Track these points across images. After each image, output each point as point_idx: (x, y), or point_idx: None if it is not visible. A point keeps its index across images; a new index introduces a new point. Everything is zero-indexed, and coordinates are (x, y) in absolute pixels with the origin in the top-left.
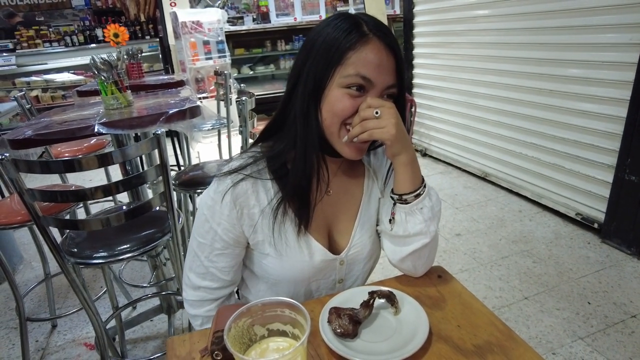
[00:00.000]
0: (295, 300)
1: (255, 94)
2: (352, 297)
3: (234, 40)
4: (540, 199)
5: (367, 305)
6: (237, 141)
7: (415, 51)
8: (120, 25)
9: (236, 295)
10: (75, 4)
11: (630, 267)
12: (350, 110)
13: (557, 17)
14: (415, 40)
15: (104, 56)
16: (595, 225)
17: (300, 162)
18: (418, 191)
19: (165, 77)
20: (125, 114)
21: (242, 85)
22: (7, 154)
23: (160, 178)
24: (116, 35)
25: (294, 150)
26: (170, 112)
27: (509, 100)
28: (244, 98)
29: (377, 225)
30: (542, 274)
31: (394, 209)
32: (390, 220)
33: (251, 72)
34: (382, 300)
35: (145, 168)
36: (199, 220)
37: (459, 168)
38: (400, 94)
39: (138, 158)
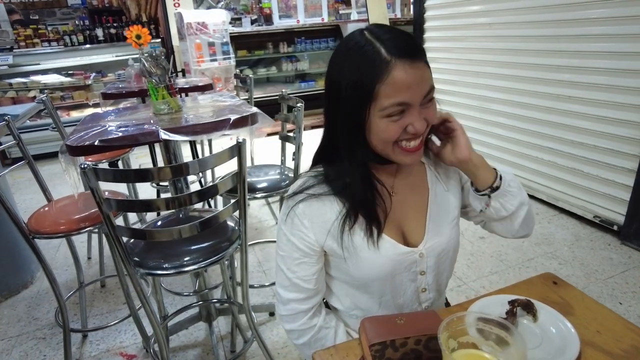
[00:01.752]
0: (383, 297)
1: (256, 96)
2: (487, 306)
3: (236, 41)
4: (556, 202)
5: (513, 314)
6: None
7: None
8: (142, 27)
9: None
10: (71, 3)
11: None
12: (397, 133)
13: (576, 25)
14: (426, 45)
15: (156, 54)
16: (614, 228)
17: (358, 187)
18: (497, 176)
19: (182, 79)
20: (176, 120)
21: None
22: (88, 163)
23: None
24: (138, 37)
25: (349, 177)
26: (234, 118)
27: (525, 105)
28: (298, 105)
29: (455, 217)
30: (570, 275)
31: (489, 201)
32: (484, 209)
33: (252, 74)
34: (518, 309)
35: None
36: (279, 236)
37: None
38: None
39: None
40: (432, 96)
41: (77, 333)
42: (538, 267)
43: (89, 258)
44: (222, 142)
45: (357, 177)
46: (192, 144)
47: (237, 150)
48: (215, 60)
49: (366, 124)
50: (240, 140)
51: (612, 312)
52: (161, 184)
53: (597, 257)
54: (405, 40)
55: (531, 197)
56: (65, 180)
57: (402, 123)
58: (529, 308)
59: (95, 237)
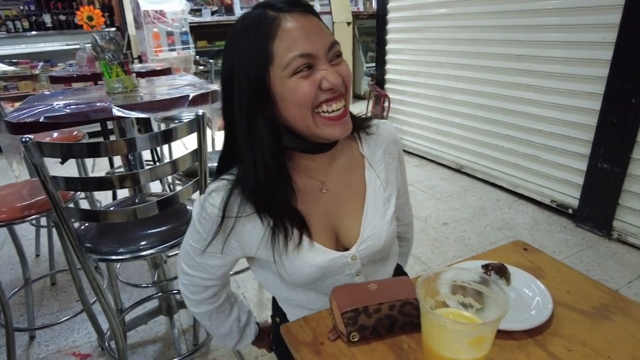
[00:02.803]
0: (312, 296)
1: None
2: (459, 273)
3: (196, 32)
4: (516, 188)
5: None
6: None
7: (389, 47)
8: (94, 8)
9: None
10: None
11: (604, 247)
12: (312, 91)
13: (534, 16)
14: (389, 36)
15: (111, 34)
16: (570, 211)
17: (264, 181)
18: None
19: (138, 65)
20: (130, 99)
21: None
22: (31, 137)
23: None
24: (90, 19)
25: (255, 172)
26: (193, 94)
27: (486, 94)
28: None
29: (392, 215)
30: None
31: None
32: None
33: (212, 62)
34: (492, 272)
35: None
36: (194, 224)
37: (434, 161)
38: None
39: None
40: (339, 51)
41: (22, 333)
42: None
43: (37, 255)
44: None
45: (261, 169)
46: (150, 130)
47: (197, 123)
48: (174, 50)
49: (271, 92)
50: (200, 112)
51: (581, 273)
52: (116, 172)
53: (555, 240)
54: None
55: (492, 184)
56: (7, 173)
57: (313, 79)
58: (503, 272)
59: (44, 232)
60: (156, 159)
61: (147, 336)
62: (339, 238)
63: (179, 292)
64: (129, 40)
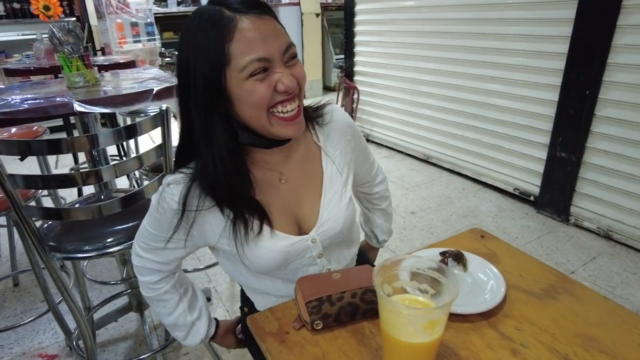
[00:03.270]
0: (279, 284)
1: None
2: (419, 261)
3: (161, 22)
4: (480, 177)
5: (444, 264)
6: None
7: (357, 39)
8: None
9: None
10: None
11: (563, 232)
12: (268, 93)
13: (497, 9)
14: (357, 29)
15: (69, 25)
16: (531, 198)
17: (222, 175)
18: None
19: (102, 57)
20: (93, 93)
21: None
22: None
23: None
24: (47, 8)
25: (214, 167)
26: (157, 88)
27: (452, 86)
28: None
29: (350, 198)
30: None
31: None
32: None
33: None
34: (449, 259)
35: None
36: (153, 211)
37: (401, 152)
38: None
39: None
40: (294, 53)
41: None
42: None
43: None
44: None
45: (219, 165)
46: (114, 126)
47: (161, 118)
48: (139, 41)
49: (227, 91)
50: (164, 107)
51: (533, 257)
52: (81, 168)
53: (517, 226)
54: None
55: (457, 173)
56: None
57: (269, 82)
58: (460, 258)
59: (3, 232)
60: (122, 153)
61: (117, 333)
62: (301, 225)
63: None
64: (90, 32)
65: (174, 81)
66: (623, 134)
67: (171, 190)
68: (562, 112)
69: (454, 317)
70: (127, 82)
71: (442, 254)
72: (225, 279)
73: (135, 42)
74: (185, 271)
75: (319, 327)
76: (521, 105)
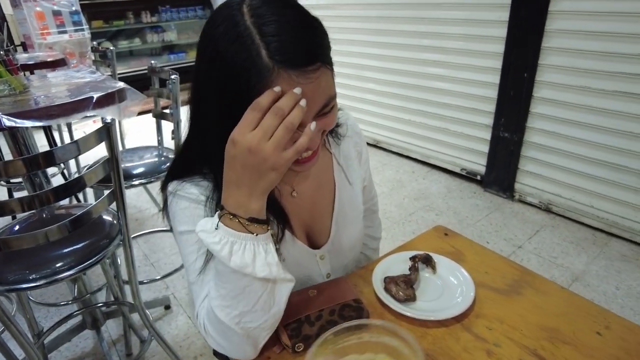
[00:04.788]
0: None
1: (120, 71)
2: (391, 265)
3: (89, 10)
4: (429, 160)
5: (415, 269)
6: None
7: None
8: None
9: None
10: None
11: (509, 208)
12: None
13: None
14: None
15: None
16: (478, 177)
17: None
18: None
19: (25, 55)
20: (22, 103)
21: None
22: None
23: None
24: None
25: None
26: (96, 96)
27: (396, 71)
28: (173, 77)
29: (361, 214)
30: (447, 224)
31: None
32: None
33: (112, 47)
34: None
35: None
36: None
37: None
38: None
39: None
40: (332, 105)
41: None
42: (419, 220)
43: None
44: (87, 129)
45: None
46: (48, 132)
47: (106, 132)
48: (64, 32)
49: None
50: (108, 120)
51: (496, 253)
52: (13, 181)
53: (467, 205)
54: (296, 38)
55: (407, 157)
56: None
57: (292, 138)
58: (428, 261)
59: None
60: (62, 166)
61: (72, 354)
62: (311, 239)
63: (104, 304)
64: (7, 26)
65: (114, 86)
66: (558, 113)
67: (188, 189)
68: (504, 94)
69: (430, 324)
70: (60, 88)
71: (412, 258)
72: (183, 285)
73: (60, 32)
74: (140, 283)
75: (300, 350)
76: (465, 89)
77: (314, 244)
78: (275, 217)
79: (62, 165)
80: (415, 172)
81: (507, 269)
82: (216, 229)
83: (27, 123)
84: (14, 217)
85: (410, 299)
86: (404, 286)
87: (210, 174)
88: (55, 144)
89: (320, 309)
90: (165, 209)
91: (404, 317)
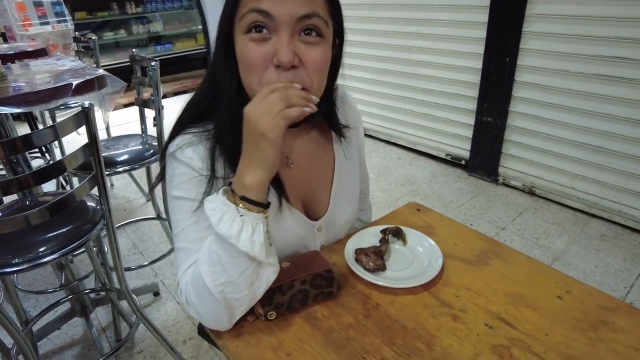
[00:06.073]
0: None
1: (105, 63)
2: (362, 238)
3: (72, 1)
4: (415, 146)
5: (385, 241)
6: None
7: None
8: None
9: None
10: None
11: (493, 191)
12: (257, 62)
13: None
14: None
15: None
16: (463, 162)
17: (230, 136)
18: None
19: (5, 45)
20: (2, 90)
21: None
22: None
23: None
24: None
25: (227, 133)
26: (76, 82)
27: (381, 58)
28: (153, 63)
29: (357, 190)
30: (432, 207)
31: None
32: None
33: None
34: (389, 235)
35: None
36: (180, 202)
37: None
38: (337, 25)
39: None
40: (313, 26)
41: None
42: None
43: None
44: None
45: (235, 135)
46: (31, 121)
47: (84, 116)
48: (47, 23)
49: (234, 43)
50: (87, 104)
51: (466, 227)
52: None
53: (451, 189)
54: None
55: (393, 144)
56: None
57: (265, 47)
58: (399, 234)
59: None
60: (44, 150)
61: (61, 342)
62: (308, 211)
63: (92, 290)
64: None
65: (94, 73)
66: (539, 97)
67: (187, 153)
68: (486, 79)
69: (399, 292)
70: (40, 76)
71: (383, 231)
72: (172, 272)
73: (42, 24)
74: (128, 269)
75: (272, 317)
76: (448, 74)
77: (310, 216)
78: (272, 186)
79: (47, 156)
80: (402, 158)
81: (476, 240)
82: (217, 195)
83: (5, 109)
84: None
85: (380, 268)
86: (374, 257)
87: (210, 128)
88: None
89: (293, 279)
90: (163, 177)
91: (374, 286)
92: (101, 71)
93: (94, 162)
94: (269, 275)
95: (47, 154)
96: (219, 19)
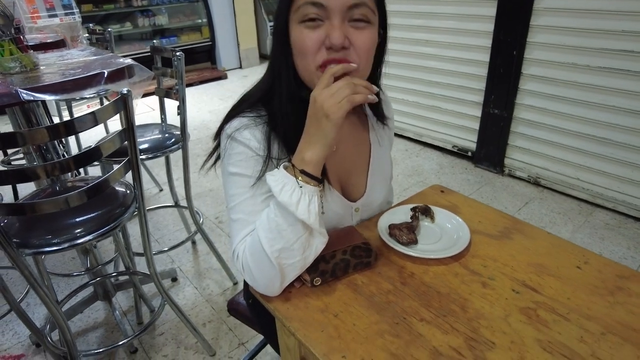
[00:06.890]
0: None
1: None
2: (393, 216)
3: None
4: (422, 138)
5: (416, 217)
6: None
7: None
8: None
9: None
10: None
11: (499, 182)
12: (311, 46)
13: None
14: None
15: None
16: (469, 154)
17: (286, 119)
18: None
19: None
20: (34, 79)
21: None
22: None
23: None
24: None
25: (281, 118)
26: (108, 71)
27: (388, 51)
28: (178, 54)
29: (391, 175)
30: None
31: None
32: None
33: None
34: (419, 213)
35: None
36: (237, 180)
37: None
38: (381, 15)
39: None
40: (364, 15)
41: None
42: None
43: None
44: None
45: (288, 120)
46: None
47: (123, 103)
48: (55, 16)
49: (289, 33)
50: (125, 91)
51: (488, 206)
52: (14, 163)
53: (458, 180)
54: None
55: (400, 136)
56: None
57: (319, 33)
58: (427, 212)
59: None
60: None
61: (85, 325)
62: (344, 192)
63: (119, 273)
64: (15, 4)
65: (123, 62)
66: (546, 89)
67: (245, 135)
68: (493, 72)
69: (431, 262)
70: (70, 66)
71: (413, 209)
72: (188, 259)
73: (50, 16)
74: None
75: (317, 283)
76: (456, 67)
77: (347, 197)
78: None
79: (62, 148)
80: (409, 150)
81: (498, 218)
82: (278, 169)
83: (45, 97)
84: (16, 198)
85: (413, 242)
86: (407, 231)
87: (264, 114)
88: None
89: (335, 249)
90: (213, 154)
91: (408, 257)
92: (129, 61)
93: (130, 147)
94: (317, 244)
95: (63, 148)
96: (275, 14)
